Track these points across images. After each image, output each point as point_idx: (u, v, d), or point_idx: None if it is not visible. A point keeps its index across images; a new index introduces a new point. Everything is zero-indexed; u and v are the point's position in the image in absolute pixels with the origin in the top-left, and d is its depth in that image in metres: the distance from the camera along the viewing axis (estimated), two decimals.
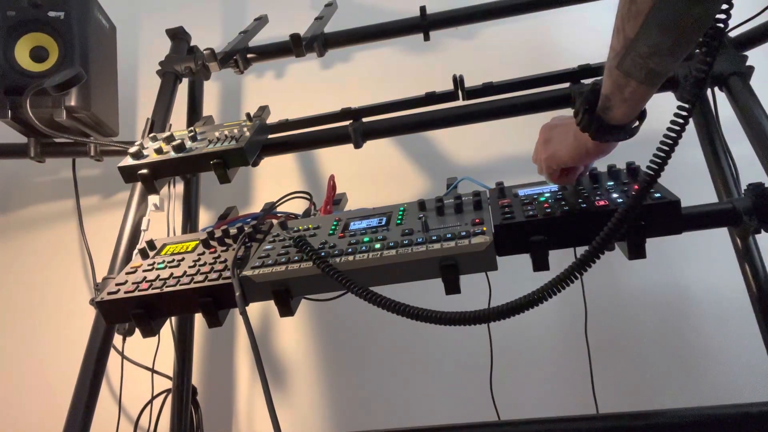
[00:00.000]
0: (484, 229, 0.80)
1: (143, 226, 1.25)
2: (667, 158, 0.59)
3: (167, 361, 1.49)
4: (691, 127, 1.12)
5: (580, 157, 0.77)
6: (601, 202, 0.80)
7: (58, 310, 1.79)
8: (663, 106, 0.85)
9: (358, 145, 1.26)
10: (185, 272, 0.90)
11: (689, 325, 1.53)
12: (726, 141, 1.20)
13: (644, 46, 0.58)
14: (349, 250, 0.83)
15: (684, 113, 0.57)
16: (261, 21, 1.66)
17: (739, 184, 1.16)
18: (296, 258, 0.84)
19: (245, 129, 1.15)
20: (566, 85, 1.20)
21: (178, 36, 1.59)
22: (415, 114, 1.25)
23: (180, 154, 1.10)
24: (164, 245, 1.03)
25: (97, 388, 1.09)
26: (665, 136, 0.59)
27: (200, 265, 0.91)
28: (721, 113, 1.21)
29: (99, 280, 1.22)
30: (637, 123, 0.71)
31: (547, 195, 0.87)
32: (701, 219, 0.85)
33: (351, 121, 1.27)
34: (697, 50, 0.57)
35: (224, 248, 0.96)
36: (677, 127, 0.58)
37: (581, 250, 0.93)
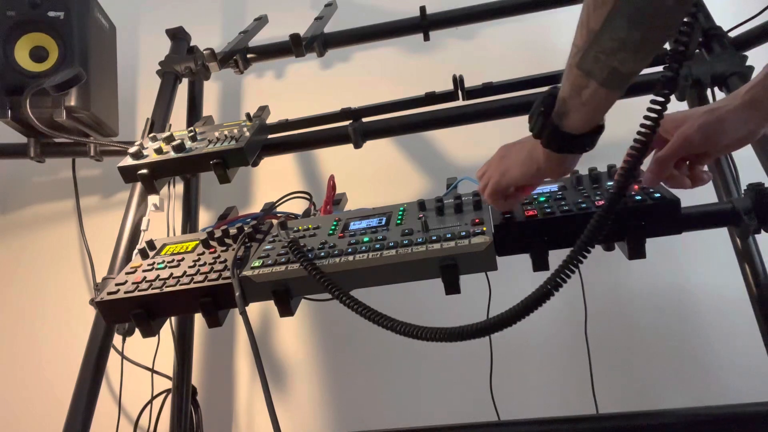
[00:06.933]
0: (484, 229, 0.80)
1: (143, 226, 1.25)
2: (641, 158, 0.56)
3: (167, 361, 1.49)
4: None
5: (531, 173, 0.71)
6: (601, 202, 0.80)
7: (58, 310, 1.79)
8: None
9: (358, 145, 1.26)
10: (185, 272, 0.90)
11: (689, 325, 1.53)
12: None
13: (609, 39, 0.53)
14: (349, 250, 0.83)
15: (653, 115, 0.54)
16: (261, 21, 1.66)
17: (739, 184, 1.15)
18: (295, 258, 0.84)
19: (245, 129, 1.15)
20: None
21: (178, 36, 1.59)
22: (415, 114, 1.25)
23: (180, 154, 1.10)
24: (164, 245, 1.03)
25: (97, 388, 1.09)
26: (636, 140, 0.56)
27: (200, 265, 0.91)
28: None
29: (99, 280, 1.22)
30: (591, 137, 0.64)
31: (547, 195, 0.87)
32: (701, 219, 0.86)
33: (351, 121, 1.27)
34: (677, 47, 0.54)
35: (224, 248, 0.96)
36: (647, 131, 0.55)
37: None
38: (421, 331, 0.69)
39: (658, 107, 0.55)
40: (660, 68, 0.60)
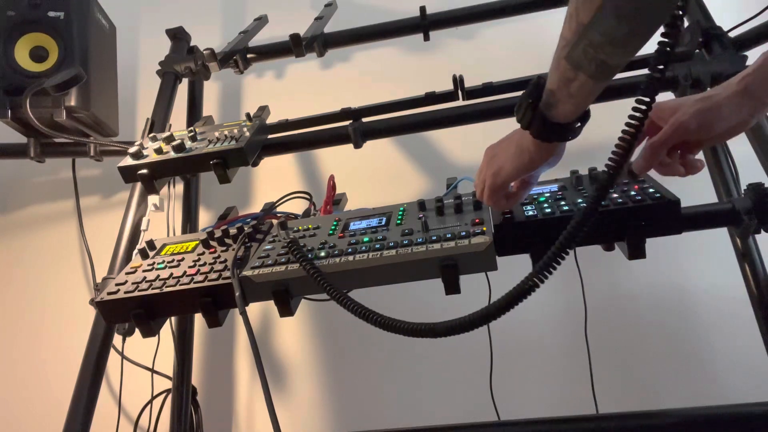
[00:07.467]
0: (484, 229, 0.80)
1: (143, 226, 1.25)
2: (623, 161, 0.56)
3: (167, 361, 1.49)
4: None
5: (524, 164, 0.71)
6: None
7: (58, 310, 1.79)
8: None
9: (357, 145, 1.26)
10: (185, 272, 0.90)
11: (689, 324, 1.53)
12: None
13: (597, 33, 0.54)
14: (349, 250, 0.83)
15: (639, 115, 0.55)
16: (261, 21, 1.66)
17: (739, 184, 1.15)
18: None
19: (245, 129, 1.15)
20: None
21: (178, 36, 1.59)
22: (415, 114, 1.25)
23: (180, 154, 1.10)
24: (164, 245, 1.03)
25: (97, 388, 1.09)
26: (620, 138, 0.56)
27: (200, 265, 0.91)
28: None
29: (99, 280, 1.22)
30: (579, 124, 0.66)
31: (547, 195, 0.87)
32: (701, 219, 0.85)
33: (351, 121, 1.27)
34: (662, 46, 0.54)
35: (224, 248, 0.96)
36: (632, 129, 0.55)
37: (581, 249, 0.93)
38: (412, 327, 0.69)
39: (640, 113, 0.55)
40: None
